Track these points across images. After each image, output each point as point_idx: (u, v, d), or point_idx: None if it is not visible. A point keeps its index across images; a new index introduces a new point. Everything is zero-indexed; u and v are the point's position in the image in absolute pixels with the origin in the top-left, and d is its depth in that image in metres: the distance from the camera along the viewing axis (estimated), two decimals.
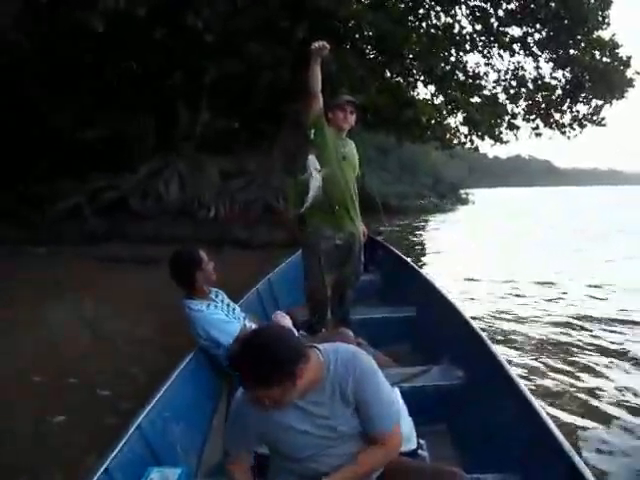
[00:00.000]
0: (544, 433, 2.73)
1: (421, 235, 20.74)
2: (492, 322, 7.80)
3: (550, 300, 9.31)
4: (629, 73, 19.51)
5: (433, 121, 19.75)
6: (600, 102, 20.35)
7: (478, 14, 19.72)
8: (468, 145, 21.61)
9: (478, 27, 20.07)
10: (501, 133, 21.11)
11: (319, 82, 4.73)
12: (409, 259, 7.25)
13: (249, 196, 19.19)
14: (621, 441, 4.37)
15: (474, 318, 6.72)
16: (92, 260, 12.18)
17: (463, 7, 19.91)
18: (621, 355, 6.36)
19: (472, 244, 17.28)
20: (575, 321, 7.87)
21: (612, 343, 6.81)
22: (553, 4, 17.41)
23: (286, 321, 4.40)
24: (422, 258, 14.69)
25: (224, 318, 4.03)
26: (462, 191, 43.17)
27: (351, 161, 5.07)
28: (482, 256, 14.57)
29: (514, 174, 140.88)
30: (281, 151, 19.89)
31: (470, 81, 20.80)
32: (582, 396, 5.22)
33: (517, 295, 9.63)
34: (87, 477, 2.49)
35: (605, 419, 4.75)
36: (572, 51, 19.19)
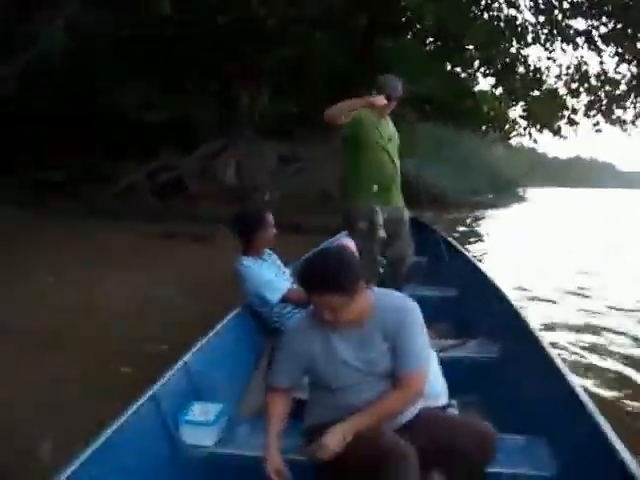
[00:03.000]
0: (573, 400, 2.82)
1: (472, 229, 20.53)
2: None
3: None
4: None
5: (493, 112, 19.55)
6: None
7: (543, 6, 19.45)
8: (527, 138, 21.43)
9: (541, 19, 19.81)
10: (560, 128, 20.89)
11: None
12: (454, 241, 7.31)
13: (304, 181, 19.35)
14: None
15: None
16: (146, 234, 12.44)
17: None
18: None
19: (518, 242, 17.06)
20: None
21: None
22: None
23: (351, 245, 4.54)
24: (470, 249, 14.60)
25: (272, 277, 4.15)
26: (519, 189, 42.52)
27: (395, 140, 5.26)
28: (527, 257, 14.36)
29: (573, 174, 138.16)
30: (338, 139, 19.97)
31: (531, 75, 20.57)
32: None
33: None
34: (134, 402, 2.68)
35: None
36: (639, 45, 18.78)
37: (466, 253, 6.64)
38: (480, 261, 7.92)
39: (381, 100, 4.94)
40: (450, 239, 7.59)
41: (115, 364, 4.90)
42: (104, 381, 4.49)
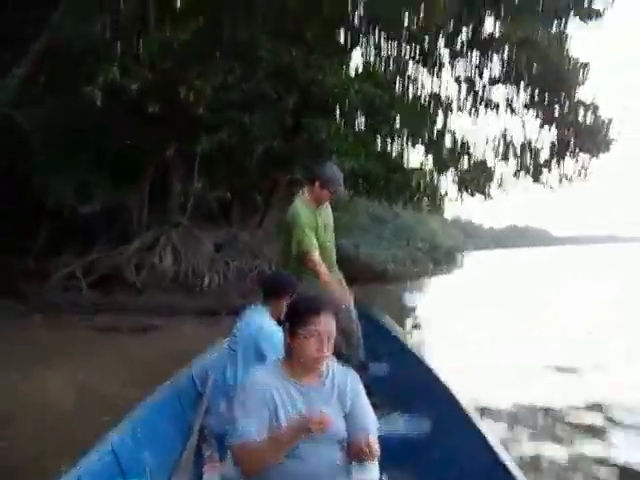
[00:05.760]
0: (504, 476, 2.83)
1: (412, 301, 20.63)
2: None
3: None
4: (611, 133, 19.97)
5: (422, 183, 19.87)
6: (586, 156, 20.67)
7: (463, 78, 20.17)
8: (460, 208, 21.83)
9: (464, 90, 20.49)
10: (490, 190, 21.33)
11: None
12: (384, 319, 7.30)
13: (243, 265, 19.31)
14: None
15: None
16: (86, 328, 12.18)
17: (448, 71, 20.39)
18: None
19: (455, 311, 17.19)
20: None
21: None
22: (535, 65, 17.78)
23: None
24: (410, 321, 14.65)
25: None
26: (458, 254, 43.19)
27: (330, 224, 5.60)
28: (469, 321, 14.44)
29: (509, 242, 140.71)
30: (274, 220, 20.09)
31: (459, 144, 21.06)
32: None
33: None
34: None
35: None
36: (556, 110, 19.59)
37: (395, 330, 6.66)
38: (414, 334, 7.96)
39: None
40: (377, 316, 7.54)
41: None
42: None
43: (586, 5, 18.38)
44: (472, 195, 21.22)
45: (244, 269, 19.35)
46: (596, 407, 6.73)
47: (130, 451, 3.20)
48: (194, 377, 4.86)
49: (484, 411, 6.58)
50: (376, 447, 2.47)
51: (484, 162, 21.29)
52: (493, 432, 4.01)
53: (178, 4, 16.40)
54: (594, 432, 6.00)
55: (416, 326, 14.02)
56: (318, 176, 5.32)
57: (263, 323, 4.16)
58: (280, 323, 4.02)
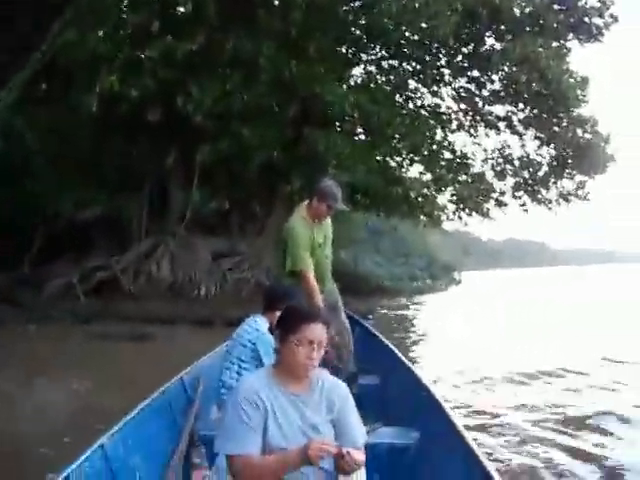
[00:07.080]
0: None
1: (408, 316, 20.61)
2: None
3: None
4: (609, 149, 20.06)
5: (421, 198, 19.96)
6: (584, 178, 20.80)
7: (463, 94, 20.27)
8: (459, 222, 21.86)
9: (463, 106, 20.57)
10: (489, 210, 21.38)
11: None
12: (377, 331, 7.32)
13: (240, 275, 19.32)
14: None
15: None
16: (82, 336, 12.17)
17: (448, 87, 20.47)
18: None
19: (450, 325, 17.19)
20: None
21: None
22: (534, 84, 17.82)
23: None
24: (403, 335, 14.64)
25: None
26: (455, 272, 43.11)
27: (328, 239, 5.58)
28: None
29: (508, 256, 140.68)
30: (273, 230, 20.07)
31: (458, 160, 21.10)
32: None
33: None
34: None
35: None
36: (555, 128, 19.67)
37: (387, 342, 6.66)
38: (410, 347, 7.97)
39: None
40: (371, 328, 7.56)
41: None
42: None
43: (585, 26, 18.50)
44: (470, 215, 21.29)
45: (242, 279, 19.37)
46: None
47: (121, 456, 3.27)
48: (185, 383, 4.91)
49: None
50: (362, 459, 2.49)
51: (482, 176, 21.36)
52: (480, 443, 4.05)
53: (182, 11, 16.42)
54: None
55: (409, 339, 13.99)
56: (316, 191, 5.33)
57: (261, 331, 4.22)
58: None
